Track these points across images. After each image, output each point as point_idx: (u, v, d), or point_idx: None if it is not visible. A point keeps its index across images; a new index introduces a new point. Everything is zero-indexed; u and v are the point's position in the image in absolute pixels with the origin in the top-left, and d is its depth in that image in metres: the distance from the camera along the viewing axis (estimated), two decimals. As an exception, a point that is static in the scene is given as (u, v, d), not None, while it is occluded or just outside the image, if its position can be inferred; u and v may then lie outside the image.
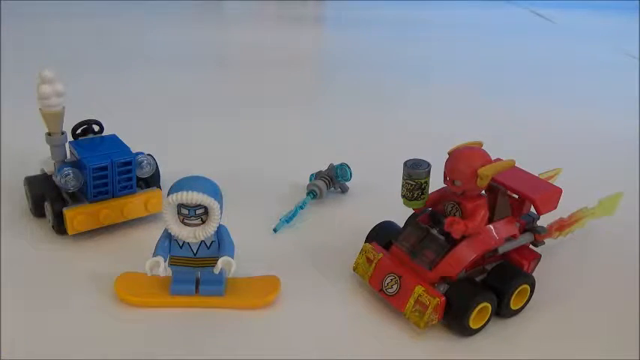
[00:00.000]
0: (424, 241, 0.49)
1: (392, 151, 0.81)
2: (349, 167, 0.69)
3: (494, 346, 0.47)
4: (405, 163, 0.48)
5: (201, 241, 0.47)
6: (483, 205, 0.47)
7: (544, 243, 0.54)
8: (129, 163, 0.58)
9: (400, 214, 0.53)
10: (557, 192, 0.52)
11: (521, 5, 2.21)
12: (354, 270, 0.52)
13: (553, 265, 0.57)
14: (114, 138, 0.61)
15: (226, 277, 0.49)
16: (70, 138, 0.60)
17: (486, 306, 0.47)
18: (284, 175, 0.73)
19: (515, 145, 0.81)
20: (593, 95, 1.15)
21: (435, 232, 0.49)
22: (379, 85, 1.15)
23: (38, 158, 0.63)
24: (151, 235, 0.51)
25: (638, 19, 1.99)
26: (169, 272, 0.49)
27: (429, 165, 0.48)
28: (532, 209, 0.52)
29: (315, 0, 2.16)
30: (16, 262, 0.54)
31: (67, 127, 0.59)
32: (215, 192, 0.46)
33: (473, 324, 0.46)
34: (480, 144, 0.49)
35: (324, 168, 0.69)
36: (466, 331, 0.47)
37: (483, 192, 0.49)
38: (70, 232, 0.56)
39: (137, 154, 0.59)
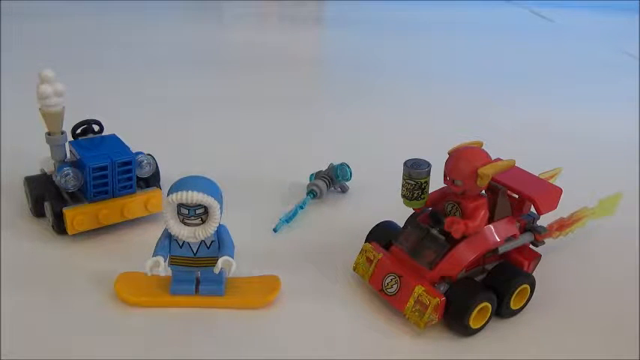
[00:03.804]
0: (424, 241, 0.49)
1: (392, 151, 0.81)
2: (349, 167, 0.69)
3: (494, 346, 0.47)
4: (405, 163, 0.48)
5: (201, 241, 0.47)
6: (483, 204, 0.48)
7: (544, 243, 0.54)
8: (129, 163, 0.58)
9: (400, 214, 0.53)
10: (558, 192, 0.52)
11: (521, 5, 2.21)
12: (354, 270, 0.52)
13: (553, 265, 0.57)
14: (114, 138, 0.61)
15: (226, 277, 0.49)
16: (70, 138, 0.60)
17: (486, 306, 0.46)
18: (284, 175, 0.72)
19: (516, 145, 0.81)
20: (593, 95, 1.15)
21: (435, 231, 0.49)
22: (379, 85, 1.15)
23: (38, 158, 0.63)
24: (151, 235, 0.51)
25: (638, 19, 1.99)
26: (169, 272, 0.49)
27: (429, 165, 0.48)
28: (532, 209, 0.52)
29: (315, 0, 2.16)
30: (16, 262, 0.54)
31: (67, 127, 0.59)
32: (215, 192, 0.46)
33: (473, 324, 0.46)
34: (480, 144, 0.49)
35: (324, 168, 0.69)
36: (466, 331, 0.47)
37: (483, 192, 0.49)
38: (70, 232, 0.56)
39: (137, 153, 0.59)
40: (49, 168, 0.60)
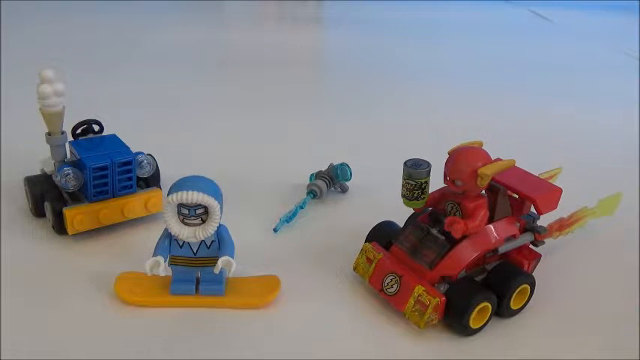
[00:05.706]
0: (424, 241, 0.49)
1: (392, 151, 0.81)
2: (349, 167, 0.69)
3: (494, 346, 0.47)
4: (405, 163, 0.48)
5: (202, 241, 0.47)
6: (483, 204, 0.48)
7: (544, 243, 0.54)
8: (129, 163, 0.58)
9: (400, 214, 0.53)
10: (558, 192, 0.52)
11: (521, 5, 2.21)
12: (354, 270, 0.52)
13: (553, 265, 0.57)
14: (114, 138, 0.61)
15: (226, 277, 0.49)
16: (70, 138, 0.60)
17: (486, 306, 0.46)
18: (284, 175, 0.73)
19: (516, 145, 0.81)
20: (593, 95, 1.15)
21: (435, 231, 0.49)
22: (379, 85, 1.15)
23: (38, 158, 0.63)
24: (151, 235, 0.51)
25: (638, 19, 1.99)
26: (169, 272, 0.49)
27: (429, 165, 0.48)
28: (532, 209, 0.52)
29: (315, 0, 2.16)
30: (16, 262, 0.54)
31: (67, 127, 0.59)
32: (215, 192, 0.46)
33: (473, 324, 0.46)
34: (480, 144, 0.49)
35: (324, 168, 0.69)
36: (466, 331, 0.47)
37: (483, 192, 0.49)
38: (70, 232, 0.56)
39: (137, 153, 0.59)
40: (49, 168, 0.60)
